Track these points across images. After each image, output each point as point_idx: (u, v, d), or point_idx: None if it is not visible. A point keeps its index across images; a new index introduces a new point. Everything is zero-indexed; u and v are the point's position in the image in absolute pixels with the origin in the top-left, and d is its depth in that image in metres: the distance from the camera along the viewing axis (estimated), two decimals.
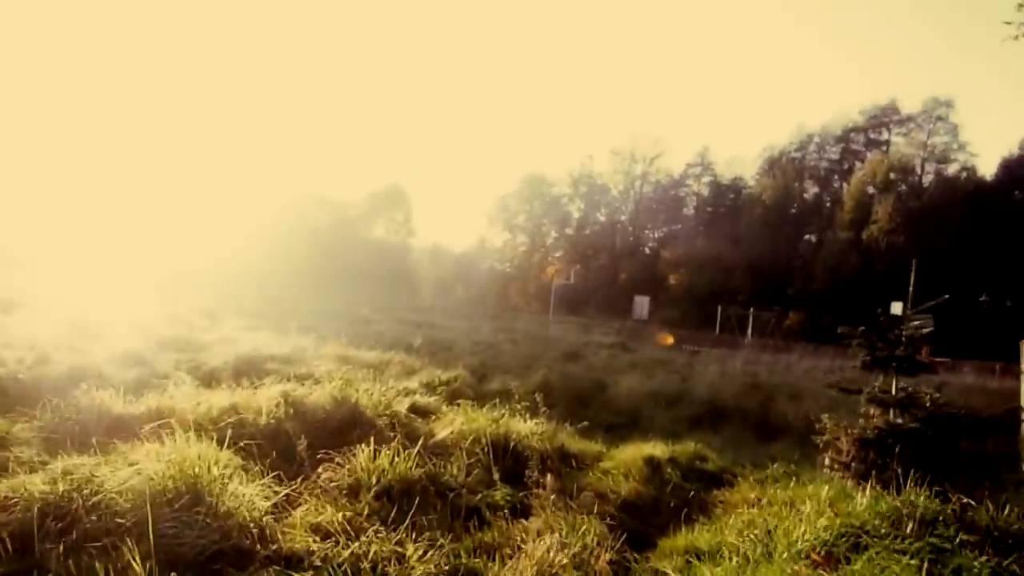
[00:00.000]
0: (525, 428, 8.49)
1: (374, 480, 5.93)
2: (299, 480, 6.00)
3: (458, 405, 9.82)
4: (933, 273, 58.82)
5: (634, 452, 8.62)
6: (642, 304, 63.19)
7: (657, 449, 8.69)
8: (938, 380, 17.21)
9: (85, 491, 4.77)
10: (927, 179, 76.90)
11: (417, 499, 5.75)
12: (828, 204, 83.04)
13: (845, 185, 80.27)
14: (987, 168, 75.29)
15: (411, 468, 6.21)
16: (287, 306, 32.12)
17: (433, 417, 9.26)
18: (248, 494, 5.15)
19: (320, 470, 6.24)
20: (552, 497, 6.18)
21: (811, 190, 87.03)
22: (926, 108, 76.99)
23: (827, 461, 8.63)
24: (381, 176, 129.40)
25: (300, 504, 5.51)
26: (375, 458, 6.24)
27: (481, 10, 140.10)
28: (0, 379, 8.67)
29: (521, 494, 6.49)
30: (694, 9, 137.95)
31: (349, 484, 5.93)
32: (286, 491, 5.53)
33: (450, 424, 8.36)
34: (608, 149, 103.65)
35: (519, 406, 9.25)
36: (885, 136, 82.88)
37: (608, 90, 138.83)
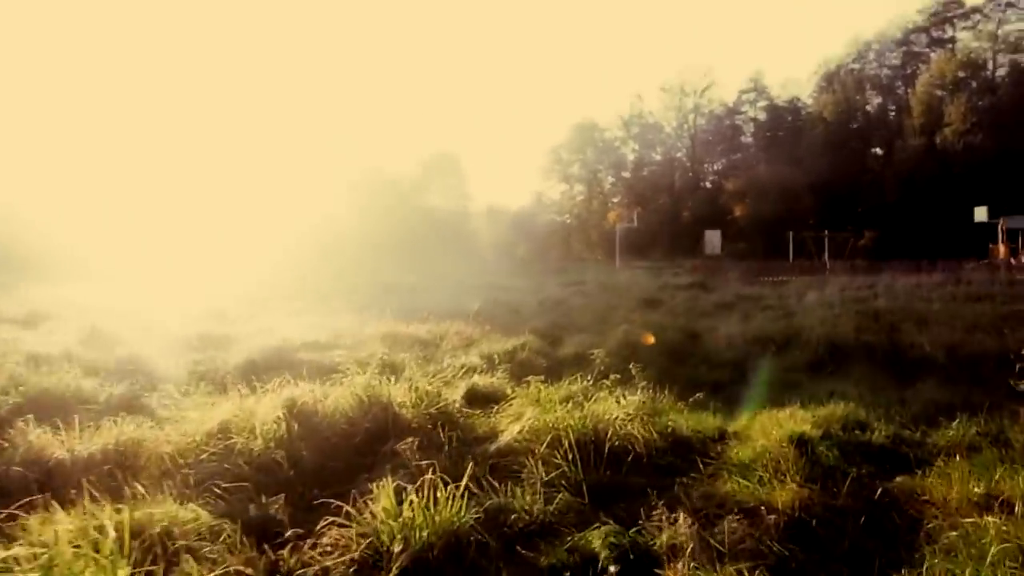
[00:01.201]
0: (618, 410, 6.24)
1: (399, 544, 3.68)
2: (287, 549, 3.88)
3: (527, 384, 7.60)
4: (1018, 171, 54.58)
5: (771, 428, 6.19)
6: (714, 238, 59.64)
7: (805, 422, 6.25)
8: None
9: None
10: (1001, 72, 71.97)
11: (470, 563, 3.59)
12: (893, 113, 78.64)
13: (910, 91, 75.15)
14: None
15: (459, 512, 3.95)
16: (342, 285, 30.29)
17: (494, 407, 6.99)
18: None
19: (322, 525, 4.06)
20: (684, 540, 3.88)
21: (874, 101, 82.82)
22: None
23: None
24: (431, 142, 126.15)
25: None
26: (402, 504, 4.01)
27: None
28: None
29: (632, 531, 4.07)
30: None
31: (362, 552, 3.74)
32: None
33: (518, 419, 6.11)
34: (657, 86, 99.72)
35: (606, 381, 7.06)
36: (950, 33, 77.85)
37: (649, 25, 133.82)
